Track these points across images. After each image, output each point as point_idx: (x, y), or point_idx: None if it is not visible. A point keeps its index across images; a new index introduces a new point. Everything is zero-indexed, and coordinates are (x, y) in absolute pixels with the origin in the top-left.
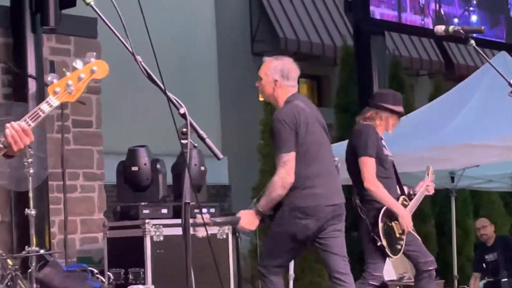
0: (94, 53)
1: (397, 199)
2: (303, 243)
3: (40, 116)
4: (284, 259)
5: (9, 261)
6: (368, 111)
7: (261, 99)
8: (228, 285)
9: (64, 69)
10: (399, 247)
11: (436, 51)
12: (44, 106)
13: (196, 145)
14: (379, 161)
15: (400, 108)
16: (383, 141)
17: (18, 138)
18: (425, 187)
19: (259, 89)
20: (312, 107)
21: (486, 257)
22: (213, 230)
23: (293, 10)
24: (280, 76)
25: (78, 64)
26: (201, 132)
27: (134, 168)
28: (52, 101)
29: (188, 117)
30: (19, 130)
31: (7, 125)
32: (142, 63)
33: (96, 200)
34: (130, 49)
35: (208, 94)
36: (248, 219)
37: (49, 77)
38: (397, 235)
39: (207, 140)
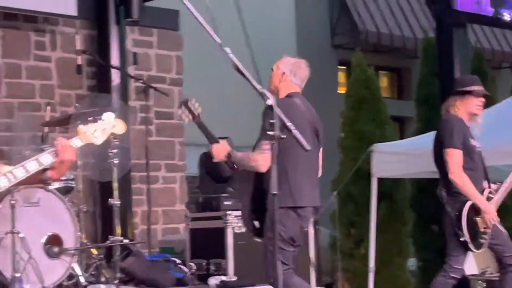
0: (115, 112)
1: (482, 192)
2: None
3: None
4: None
5: (94, 251)
6: (448, 101)
7: (341, 91)
8: (308, 277)
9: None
10: (482, 241)
11: None
12: (75, 141)
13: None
14: (466, 152)
15: (475, 87)
16: (470, 131)
17: (65, 151)
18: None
19: (269, 80)
20: (309, 109)
21: None
22: None
23: (373, 2)
24: (289, 71)
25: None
26: (288, 123)
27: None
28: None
29: (276, 108)
30: (66, 145)
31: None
32: (230, 54)
33: (177, 191)
34: (218, 41)
35: None
36: (220, 147)
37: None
38: (481, 229)
39: (294, 131)
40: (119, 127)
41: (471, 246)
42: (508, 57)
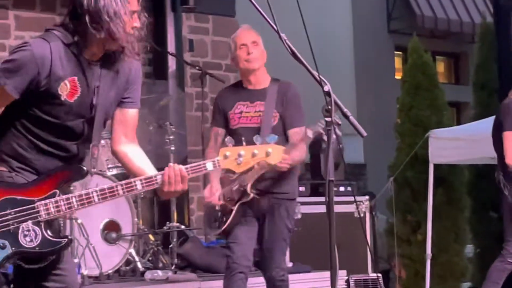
0: (277, 136)
1: None
2: None
3: (201, 171)
4: None
5: (151, 237)
6: None
7: (397, 77)
8: (365, 263)
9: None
10: None
11: None
12: (208, 165)
13: (340, 122)
14: None
15: None
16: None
17: (173, 181)
18: None
19: (254, 54)
20: None
21: None
22: (349, 208)
23: None
24: None
25: (258, 140)
26: (345, 109)
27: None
28: (219, 163)
29: (333, 95)
30: (178, 174)
31: (170, 164)
32: (287, 40)
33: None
34: (276, 28)
35: (344, 72)
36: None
37: (227, 139)
38: None
39: (351, 118)
40: (275, 156)
41: None
42: None
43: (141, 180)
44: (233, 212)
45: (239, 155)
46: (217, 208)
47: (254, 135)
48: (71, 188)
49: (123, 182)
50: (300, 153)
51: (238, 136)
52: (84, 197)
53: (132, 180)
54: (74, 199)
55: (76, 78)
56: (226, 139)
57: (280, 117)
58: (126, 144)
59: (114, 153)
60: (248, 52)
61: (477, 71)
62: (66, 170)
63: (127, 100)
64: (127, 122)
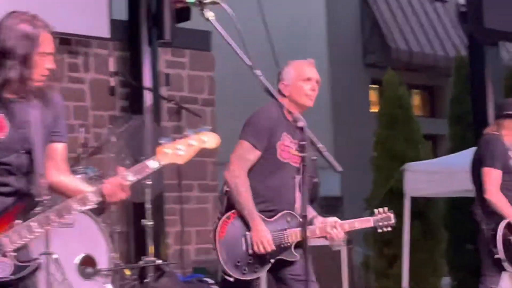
0: (210, 127)
1: None
2: None
3: (145, 171)
4: None
5: (127, 271)
6: (493, 124)
7: (373, 110)
8: None
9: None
10: None
11: None
12: (150, 163)
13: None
14: (506, 173)
15: None
16: (510, 153)
17: (114, 193)
18: None
19: (315, 94)
20: None
21: None
22: (326, 241)
23: (405, 21)
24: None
25: (189, 132)
26: (319, 145)
27: None
28: (160, 159)
29: (307, 130)
30: (117, 186)
31: (105, 181)
32: (261, 77)
33: (210, 211)
34: (249, 63)
35: (320, 106)
36: None
37: (162, 140)
38: None
39: (325, 153)
40: (211, 141)
41: (506, 265)
42: None
43: (91, 192)
44: (269, 265)
45: (177, 148)
46: (250, 252)
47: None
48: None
49: (77, 196)
50: None
51: (285, 171)
52: (43, 219)
53: (85, 193)
54: (34, 223)
55: (2, 115)
56: (160, 139)
57: None
58: (59, 175)
59: (50, 188)
60: (313, 88)
61: (453, 104)
62: (19, 202)
63: (54, 134)
64: (56, 156)
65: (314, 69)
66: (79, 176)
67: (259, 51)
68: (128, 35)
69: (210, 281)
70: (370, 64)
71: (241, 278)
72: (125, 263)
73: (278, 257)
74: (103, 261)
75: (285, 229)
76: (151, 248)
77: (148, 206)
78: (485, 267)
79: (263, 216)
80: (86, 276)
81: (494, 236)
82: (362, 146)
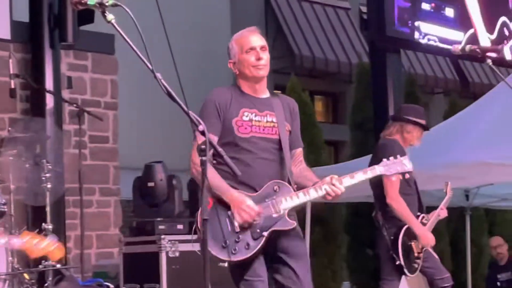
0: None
1: (417, 217)
2: None
3: None
4: None
5: (26, 276)
6: (392, 126)
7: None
8: None
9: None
10: (416, 266)
11: (451, 69)
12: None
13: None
14: (403, 177)
15: (423, 121)
16: (407, 157)
17: None
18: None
19: (265, 61)
20: None
21: (499, 276)
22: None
23: (308, 27)
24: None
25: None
26: (219, 149)
27: (150, 184)
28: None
29: (207, 134)
30: None
31: None
32: (162, 80)
33: (112, 216)
34: (150, 67)
35: None
36: None
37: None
38: (416, 254)
39: (226, 157)
40: (56, 254)
41: (406, 270)
42: (440, 83)
43: None
44: (263, 239)
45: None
46: (236, 230)
47: (272, 146)
48: None
49: None
50: None
51: (252, 145)
52: None
53: None
54: None
55: None
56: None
57: (289, 132)
58: None
59: None
60: (258, 57)
61: (354, 110)
62: None
63: None
64: None
65: (256, 36)
66: None
67: (161, 54)
68: (30, 36)
69: (110, 285)
70: (274, 70)
71: (233, 260)
72: (24, 267)
73: (272, 229)
74: (1, 265)
75: (273, 198)
76: None
77: (48, 209)
78: (384, 272)
79: (246, 193)
80: None
81: (395, 241)
82: None
